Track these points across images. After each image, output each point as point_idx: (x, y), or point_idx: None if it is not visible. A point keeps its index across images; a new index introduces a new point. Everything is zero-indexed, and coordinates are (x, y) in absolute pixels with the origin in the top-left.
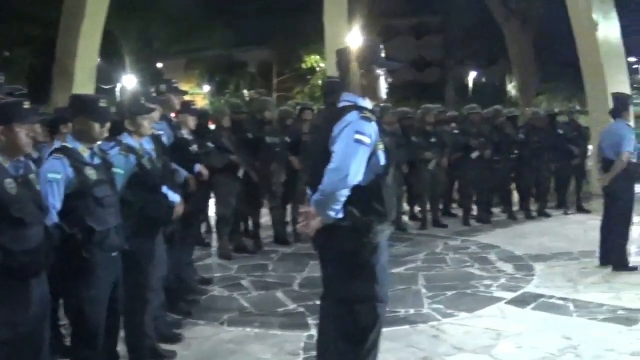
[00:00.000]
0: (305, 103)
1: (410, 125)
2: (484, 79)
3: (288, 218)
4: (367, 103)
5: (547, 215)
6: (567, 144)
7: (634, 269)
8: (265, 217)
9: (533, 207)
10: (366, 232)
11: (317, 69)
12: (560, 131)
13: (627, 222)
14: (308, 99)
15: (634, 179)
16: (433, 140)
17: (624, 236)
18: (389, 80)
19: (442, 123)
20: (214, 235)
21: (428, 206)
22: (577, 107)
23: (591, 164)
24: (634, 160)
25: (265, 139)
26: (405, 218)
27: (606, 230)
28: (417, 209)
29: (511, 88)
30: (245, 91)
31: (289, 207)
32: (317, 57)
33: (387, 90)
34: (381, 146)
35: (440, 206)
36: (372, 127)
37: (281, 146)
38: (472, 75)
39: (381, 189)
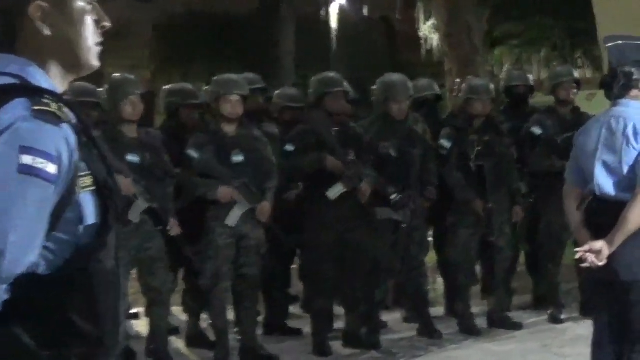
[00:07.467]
0: None
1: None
2: (365, 12)
3: None
4: (54, 78)
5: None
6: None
7: None
8: None
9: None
10: None
11: None
12: (539, 131)
13: None
14: None
15: None
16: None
17: None
18: (108, 24)
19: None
20: None
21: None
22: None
23: None
24: None
25: None
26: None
27: None
28: (296, 311)
29: (427, 31)
30: None
31: None
32: None
33: (100, 47)
34: (88, 181)
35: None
36: (62, 137)
37: None
38: (335, 4)
39: (90, 281)
